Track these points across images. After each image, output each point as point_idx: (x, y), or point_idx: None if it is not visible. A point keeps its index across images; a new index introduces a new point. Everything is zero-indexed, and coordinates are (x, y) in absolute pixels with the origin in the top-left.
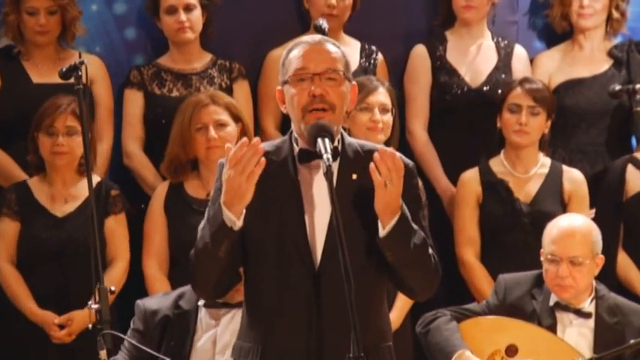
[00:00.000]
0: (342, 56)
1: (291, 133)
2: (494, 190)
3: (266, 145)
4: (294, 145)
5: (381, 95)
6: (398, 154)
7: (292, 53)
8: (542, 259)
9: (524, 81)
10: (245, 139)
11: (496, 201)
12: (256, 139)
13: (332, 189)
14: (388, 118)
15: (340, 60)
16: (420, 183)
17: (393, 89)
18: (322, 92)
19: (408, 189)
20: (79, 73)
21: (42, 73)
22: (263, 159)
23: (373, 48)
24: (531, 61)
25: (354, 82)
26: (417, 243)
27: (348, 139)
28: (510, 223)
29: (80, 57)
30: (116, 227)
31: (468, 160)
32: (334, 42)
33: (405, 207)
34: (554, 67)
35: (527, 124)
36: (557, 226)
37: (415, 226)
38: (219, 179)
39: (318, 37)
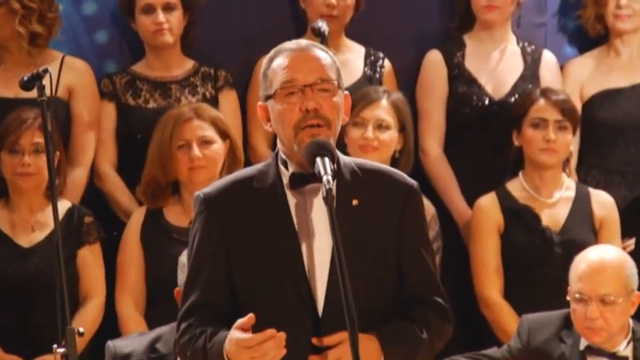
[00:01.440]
0: (332, 62)
1: (277, 154)
2: (518, 217)
3: (245, 172)
4: (282, 168)
5: (380, 109)
6: (399, 172)
7: (275, 63)
8: (568, 298)
9: (547, 92)
10: (272, 331)
11: (521, 230)
12: (282, 334)
13: (333, 216)
14: (387, 135)
15: (332, 67)
16: (431, 209)
17: (406, 102)
18: (316, 106)
19: (411, 214)
20: (42, 82)
21: (9, 85)
22: (284, 350)
23: (380, 54)
24: (561, 68)
25: (346, 92)
26: (422, 350)
27: (343, 159)
28: (539, 255)
29: (62, 61)
30: (90, 259)
31: (490, 182)
32: (322, 46)
33: (388, 342)
34: (587, 75)
35: (555, 141)
36: (586, 259)
37: (414, 331)
38: (199, 222)
39: (303, 42)
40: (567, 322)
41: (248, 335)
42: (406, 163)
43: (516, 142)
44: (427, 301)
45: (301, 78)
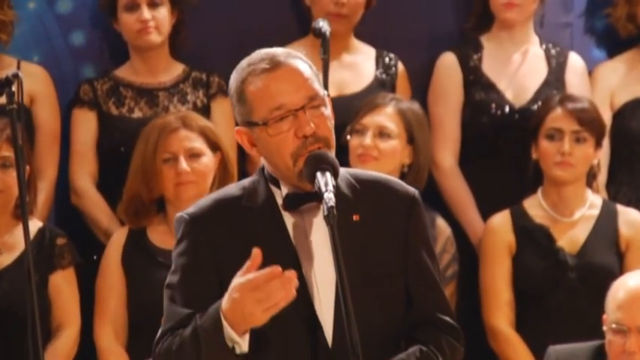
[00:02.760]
0: (311, 71)
1: (263, 170)
2: (532, 238)
3: (228, 191)
4: (272, 187)
5: (382, 115)
6: (398, 181)
7: (253, 86)
8: (604, 328)
9: (565, 99)
10: (277, 267)
11: (534, 252)
12: (292, 273)
13: (335, 238)
14: (389, 145)
15: (314, 78)
16: (447, 229)
17: (421, 113)
18: (314, 130)
19: (415, 226)
20: (12, 89)
21: None
22: (294, 291)
23: (392, 55)
24: (589, 73)
25: (325, 92)
26: None
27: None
28: (552, 280)
29: (18, 67)
30: (64, 285)
31: (510, 199)
32: (295, 53)
33: None
34: (617, 81)
35: (571, 154)
36: (625, 287)
37: None
38: (185, 246)
39: (273, 53)
40: (600, 355)
41: (251, 275)
42: (414, 180)
43: (534, 155)
44: (437, 322)
45: (289, 102)
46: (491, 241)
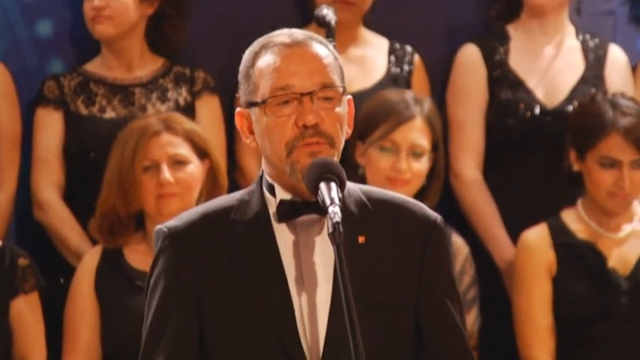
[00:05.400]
0: (335, 61)
1: (262, 178)
2: (576, 256)
3: (221, 202)
4: (268, 195)
5: (415, 131)
6: (419, 204)
7: (262, 60)
8: None
9: (620, 117)
10: None
11: (579, 273)
12: None
13: (342, 259)
14: (421, 165)
15: (334, 68)
16: (464, 248)
17: (436, 110)
18: (316, 120)
19: (434, 257)
20: None
21: None
22: None
23: (407, 47)
24: (633, 68)
25: (349, 96)
26: None
27: (348, 184)
28: (602, 306)
29: None
30: (27, 312)
31: (541, 213)
32: (321, 39)
33: None
34: None
35: (629, 184)
36: None
37: None
38: (161, 264)
39: (298, 33)
40: None
41: None
42: (436, 191)
43: (576, 167)
44: None
45: (298, 84)
46: (527, 260)
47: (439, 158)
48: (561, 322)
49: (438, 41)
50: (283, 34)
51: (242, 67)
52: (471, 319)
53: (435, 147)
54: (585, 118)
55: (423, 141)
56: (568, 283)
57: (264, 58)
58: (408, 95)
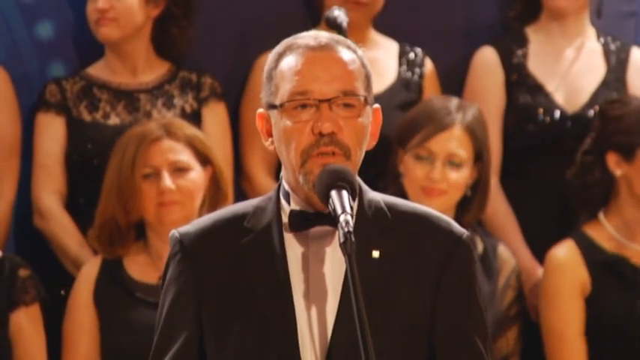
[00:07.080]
0: (361, 67)
1: (280, 185)
2: (611, 273)
3: (237, 208)
4: (284, 203)
5: (453, 140)
6: (446, 219)
7: (285, 62)
8: None
9: None
10: None
11: (616, 291)
12: None
13: (354, 271)
14: (459, 175)
15: (359, 74)
16: (511, 260)
17: (483, 119)
18: (333, 129)
19: (456, 274)
20: None
21: None
22: None
23: (418, 50)
24: None
25: (376, 105)
26: None
27: (370, 194)
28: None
29: None
30: (27, 325)
31: (561, 225)
32: (349, 43)
33: None
34: None
35: None
36: None
37: None
38: (171, 270)
39: (324, 35)
40: None
41: None
42: (480, 204)
43: (618, 172)
44: None
45: (317, 89)
46: (559, 280)
47: (484, 168)
48: (597, 343)
49: (453, 44)
50: (309, 36)
51: (266, 68)
52: (513, 336)
53: (478, 157)
54: (624, 127)
55: (461, 151)
56: (604, 303)
57: (287, 60)
58: (452, 102)
